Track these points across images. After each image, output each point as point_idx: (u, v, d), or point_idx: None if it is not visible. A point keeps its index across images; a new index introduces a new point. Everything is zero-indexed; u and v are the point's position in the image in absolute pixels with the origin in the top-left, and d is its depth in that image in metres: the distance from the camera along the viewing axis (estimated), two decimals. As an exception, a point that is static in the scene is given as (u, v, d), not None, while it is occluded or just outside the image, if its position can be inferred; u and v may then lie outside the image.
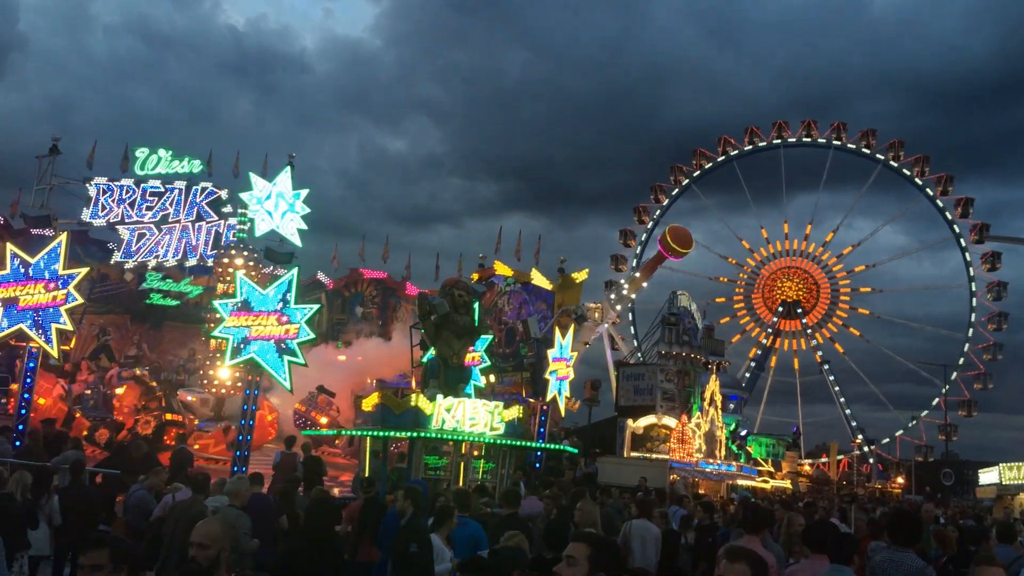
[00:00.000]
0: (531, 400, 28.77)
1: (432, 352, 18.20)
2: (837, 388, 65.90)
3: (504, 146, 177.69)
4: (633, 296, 52.45)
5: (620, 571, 3.98)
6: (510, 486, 15.42)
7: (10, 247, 18.55)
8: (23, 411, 17.28)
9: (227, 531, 4.61)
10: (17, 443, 15.88)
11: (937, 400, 61.65)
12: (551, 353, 25.55)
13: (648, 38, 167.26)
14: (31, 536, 9.84)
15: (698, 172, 69.24)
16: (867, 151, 66.24)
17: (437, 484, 15.31)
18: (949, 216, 62.71)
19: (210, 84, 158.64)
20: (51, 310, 17.30)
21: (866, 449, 61.28)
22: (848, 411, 65.19)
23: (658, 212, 69.23)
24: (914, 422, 63.20)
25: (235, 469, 16.63)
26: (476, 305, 19.28)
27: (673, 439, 36.03)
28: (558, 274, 47.04)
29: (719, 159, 69.26)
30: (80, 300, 18.30)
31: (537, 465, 24.07)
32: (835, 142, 67.25)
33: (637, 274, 53.17)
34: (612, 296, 50.58)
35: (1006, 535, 10.34)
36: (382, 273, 46.71)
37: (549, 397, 25.40)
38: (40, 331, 17.25)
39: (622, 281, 53.47)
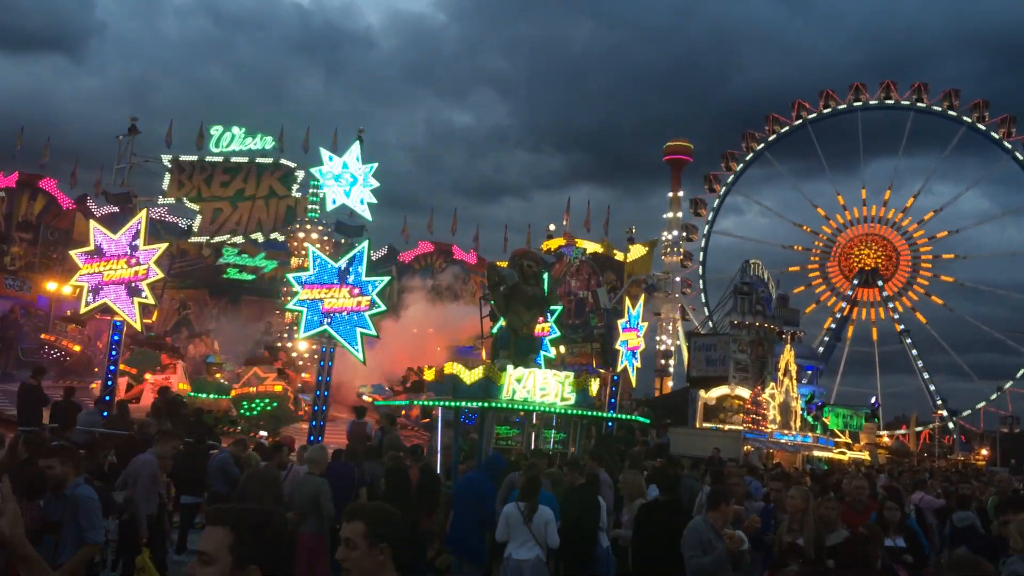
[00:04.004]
0: (601, 371, 28.65)
1: (502, 323, 18.21)
2: (915, 352, 64.12)
3: (571, 117, 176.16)
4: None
5: (401, 542, 3.34)
6: (576, 456, 15.43)
7: (93, 224, 19.18)
8: (109, 383, 17.91)
9: None
10: (104, 413, 16.44)
11: (1024, 370, 59.59)
12: (621, 323, 25.36)
13: (716, 3, 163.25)
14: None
15: (772, 138, 67.57)
16: (950, 112, 63.67)
17: (508, 455, 15.38)
18: (1038, 178, 60.18)
19: (279, 62, 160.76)
20: (133, 285, 17.84)
21: (947, 418, 59.51)
22: (926, 375, 63.45)
23: (730, 179, 67.91)
24: (999, 392, 61.10)
25: (311, 438, 17.00)
26: (545, 276, 19.20)
27: (747, 410, 35.56)
28: (627, 244, 46.74)
29: (793, 124, 67.45)
30: (161, 275, 18.83)
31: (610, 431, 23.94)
32: (913, 103, 64.85)
33: (670, 208, 58.90)
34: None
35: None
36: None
37: (619, 368, 25.23)
38: (124, 305, 17.81)
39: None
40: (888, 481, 16.34)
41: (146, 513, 9.36)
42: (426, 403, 19.35)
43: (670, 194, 69.64)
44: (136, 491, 9.22)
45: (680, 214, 68.08)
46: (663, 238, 57.59)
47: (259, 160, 37.12)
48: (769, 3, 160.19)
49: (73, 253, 19.00)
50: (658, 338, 60.04)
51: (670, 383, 60.14)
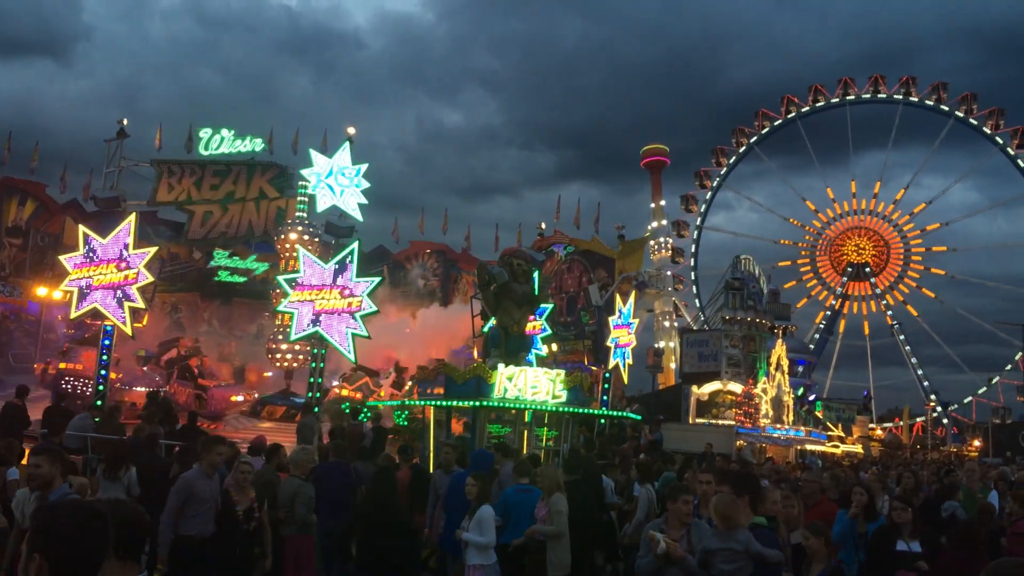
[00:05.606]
0: (593, 368, 28.74)
1: (493, 321, 18.23)
2: (908, 348, 64.40)
3: (561, 115, 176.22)
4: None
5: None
6: (571, 451, 15.50)
7: (82, 228, 19.13)
8: (100, 387, 17.88)
9: None
10: (96, 419, 16.38)
11: (1017, 358, 59.77)
12: (612, 320, 25.43)
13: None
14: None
15: (762, 132, 67.75)
16: (939, 105, 63.93)
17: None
18: (1026, 170, 60.46)
19: (268, 64, 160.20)
20: (123, 289, 17.79)
21: (940, 411, 59.77)
22: (920, 372, 63.73)
23: (721, 174, 68.04)
24: (990, 383, 61.38)
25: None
26: (536, 274, 19.25)
27: (739, 404, 35.68)
28: (618, 241, 46.79)
29: (783, 119, 67.64)
30: (151, 279, 18.78)
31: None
32: (902, 97, 65.10)
33: (653, 205, 59.16)
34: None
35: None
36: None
37: (611, 365, 25.31)
38: (114, 309, 17.77)
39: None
40: (877, 473, 16.35)
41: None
42: (418, 403, 19.37)
43: (652, 205, 68.95)
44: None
45: (664, 221, 67.35)
46: (649, 236, 58.34)
47: (248, 162, 37.06)
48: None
49: (63, 258, 18.94)
50: (655, 332, 60.05)
51: (674, 379, 60.27)
